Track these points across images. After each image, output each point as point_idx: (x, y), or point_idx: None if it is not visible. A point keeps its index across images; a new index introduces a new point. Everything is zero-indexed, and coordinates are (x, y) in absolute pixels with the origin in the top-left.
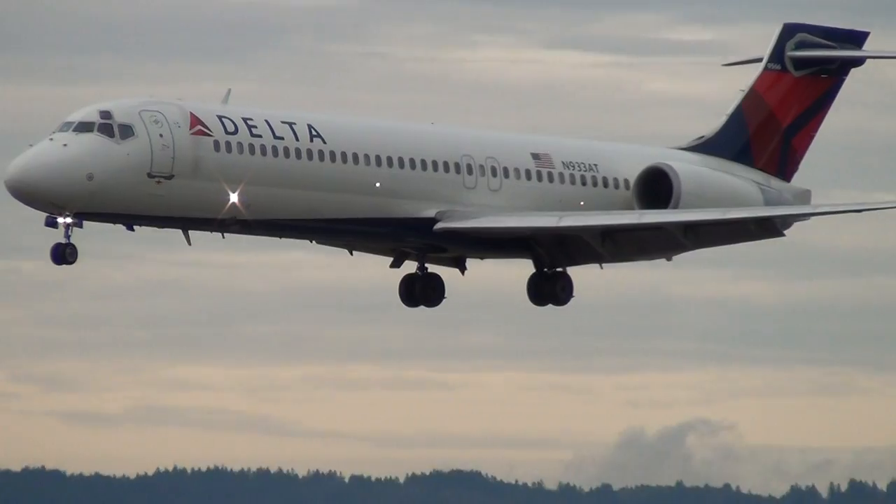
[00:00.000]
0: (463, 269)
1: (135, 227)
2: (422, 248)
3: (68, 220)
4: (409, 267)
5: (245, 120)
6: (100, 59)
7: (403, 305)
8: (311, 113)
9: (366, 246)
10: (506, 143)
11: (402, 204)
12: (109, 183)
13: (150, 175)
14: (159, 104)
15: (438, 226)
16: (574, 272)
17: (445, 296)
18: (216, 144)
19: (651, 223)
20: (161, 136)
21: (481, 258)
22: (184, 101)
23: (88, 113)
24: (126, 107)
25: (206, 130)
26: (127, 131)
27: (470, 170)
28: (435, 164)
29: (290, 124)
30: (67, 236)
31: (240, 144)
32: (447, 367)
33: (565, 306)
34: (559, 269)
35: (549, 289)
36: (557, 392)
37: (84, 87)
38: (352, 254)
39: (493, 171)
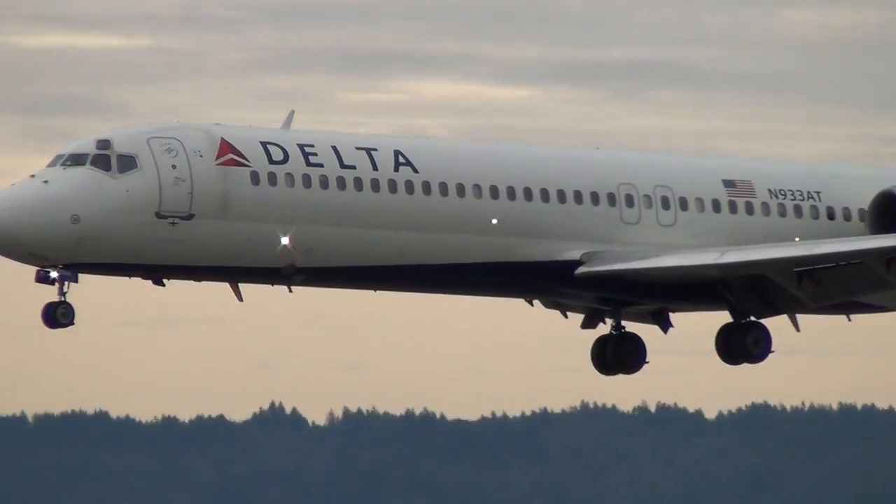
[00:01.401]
0: (665, 326)
1: (163, 280)
2: (616, 301)
3: (59, 272)
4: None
5: (302, 146)
6: None
7: (598, 374)
8: (401, 138)
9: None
10: (686, 168)
11: (533, 245)
12: (102, 226)
13: (159, 215)
14: (178, 130)
15: (581, 270)
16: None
17: (647, 360)
18: (254, 176)
19: (827, 254)
20: (174, 167)
21: (671, 311)
22: (220, 125)
23: (84, 143)
24: (131, 134)
25: (240, 160)
26: (128, 163)
27: (630, 201)
28: (578, 195)
29: (369, 150)
30: (62, 293)
31: (289, 176)
32: None
33: (760, 363)
34: (753, 319)
35: (738, 342)
36: None
37: None
38: (531, 304)
39: (665, 203)
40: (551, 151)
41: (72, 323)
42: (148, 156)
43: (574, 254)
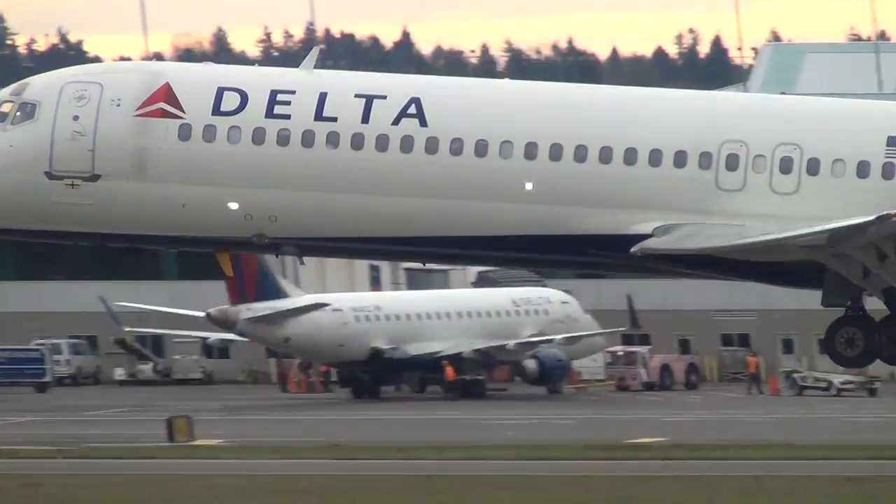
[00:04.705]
0: None
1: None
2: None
3: None
4: None
5: (275, 93)
6: None
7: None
8: (436, 80)
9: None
10: (830, 118)
11: (585, 216)
12: None
13: (51, 175)
14: (109, 73)
15: (637, 248)
16: None
17: None
18: (184, 130)
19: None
20: (76, 118)
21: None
22: (208, 64)
23: (10, 87)
24: (49, 78)
25: (171, 110)
26: (28, 113)
27: (733, 163)
28: (657, 154)
29: (371, 98)
30: None
31: (235, 130)
32: None
33: None
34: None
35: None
36: None
37: None
38: None
39: (786, 166)
40: (623, 93)
41: None
42: (51, 104)
43: (644, 227)
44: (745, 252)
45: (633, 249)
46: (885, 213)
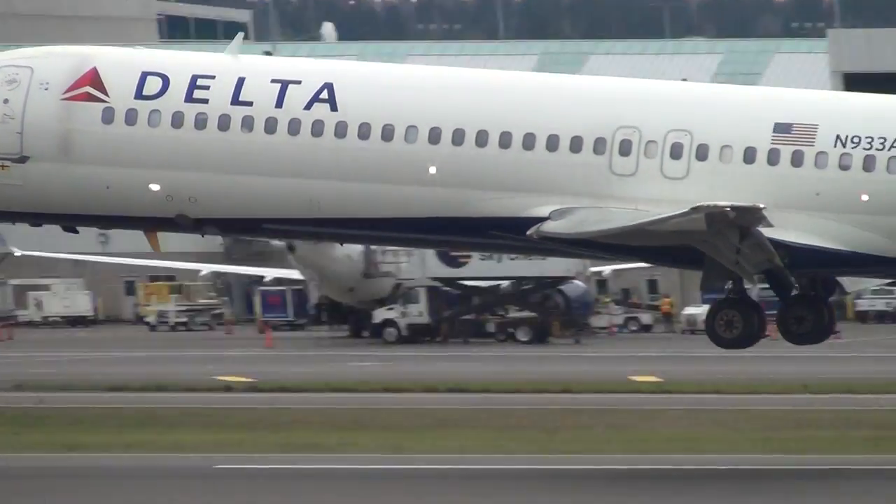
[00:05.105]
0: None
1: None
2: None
3: None
4: None
5: (195, 78)
6: None
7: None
8: (351, 66)
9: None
10: (720, 105)
11: (482, 200)
12: None
13: None
14: (40, 57)
15: (533, 230)
16: None
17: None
18: (107, 113)
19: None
20: (6, 101)
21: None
22: (137, 47)
23: None
24: None
25: (97, 94)
26: None
27: (626, 148)
28: (554, 139)
29: (287, 83)
30: None
31: (155, 113)
32: None
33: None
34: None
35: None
36: None
37: None
38: None
39: (677, 151)
40: (524, 79)
41: None
42: None
43: (541, 211)
44: (628, 237)
45: (528, 232)
46: (699, 204)
